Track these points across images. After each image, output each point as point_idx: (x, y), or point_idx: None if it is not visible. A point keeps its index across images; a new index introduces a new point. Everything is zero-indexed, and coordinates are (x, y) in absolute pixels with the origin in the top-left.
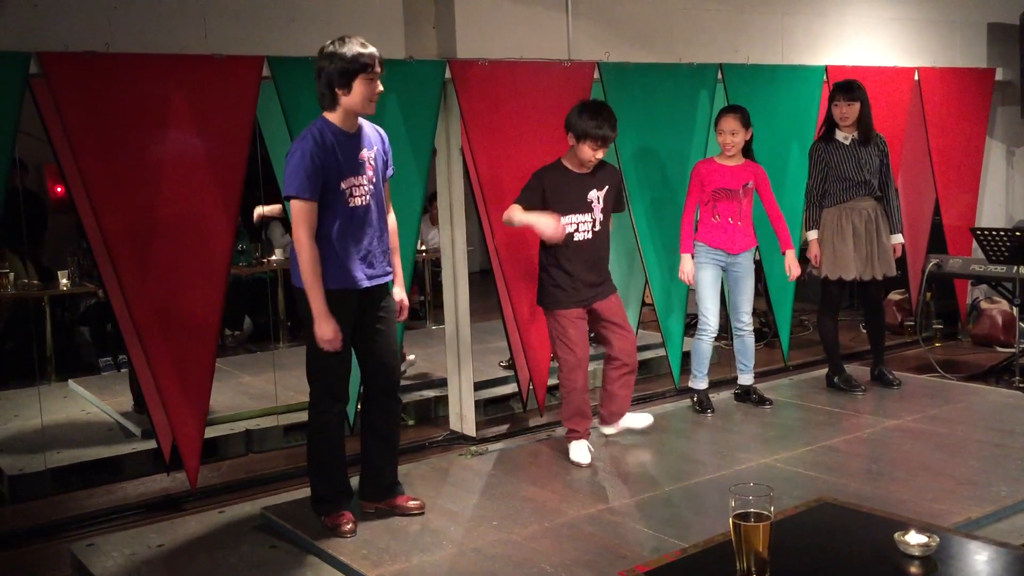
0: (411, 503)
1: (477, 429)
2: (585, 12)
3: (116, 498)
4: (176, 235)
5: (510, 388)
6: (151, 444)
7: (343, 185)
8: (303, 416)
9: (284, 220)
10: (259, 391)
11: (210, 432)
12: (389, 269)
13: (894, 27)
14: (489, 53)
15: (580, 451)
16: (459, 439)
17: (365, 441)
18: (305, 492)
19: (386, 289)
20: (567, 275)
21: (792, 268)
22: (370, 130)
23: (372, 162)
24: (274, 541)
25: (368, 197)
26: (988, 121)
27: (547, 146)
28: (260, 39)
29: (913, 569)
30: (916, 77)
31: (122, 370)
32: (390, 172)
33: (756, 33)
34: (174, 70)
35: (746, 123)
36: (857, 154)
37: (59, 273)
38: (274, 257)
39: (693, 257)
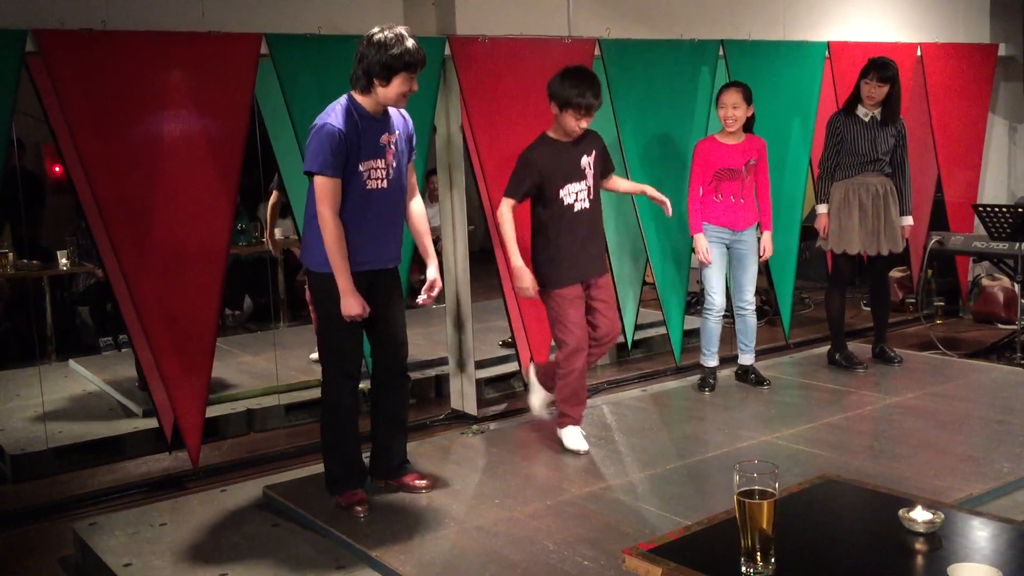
0: (418, 481)
1: (478, 408)
2: None
3: (118, 477)
4: (175, 214)
5: (511, 367)
6: (152, 423)
7: (361, 167)
8: (304, 395)
9: (284, 204)
10: (260, 370)
11: (211, 411)
12: (398, 254)
13: (896, 2)
14: (489, 30)
15: (576, 438)
16: (460, 418)
17: (374, 419)
18: (307, 470)
19: (395, 272)
20: (569, 246)
21: (766, 249)
22: (395, 113)
23: (393, 146)
24: (276, 519)
25: (385, 181)
26: (990, 97)
27: (547, 124)
28: (258, 16)
29: (918, 545)
30: (918, 53)
31: (123, 350)
32: (412, 157)
33: (758, 9)
34: (171, 48)
35: (748, 98)
36: (874, 132)
37: (58, 253)
38: (275, 237)
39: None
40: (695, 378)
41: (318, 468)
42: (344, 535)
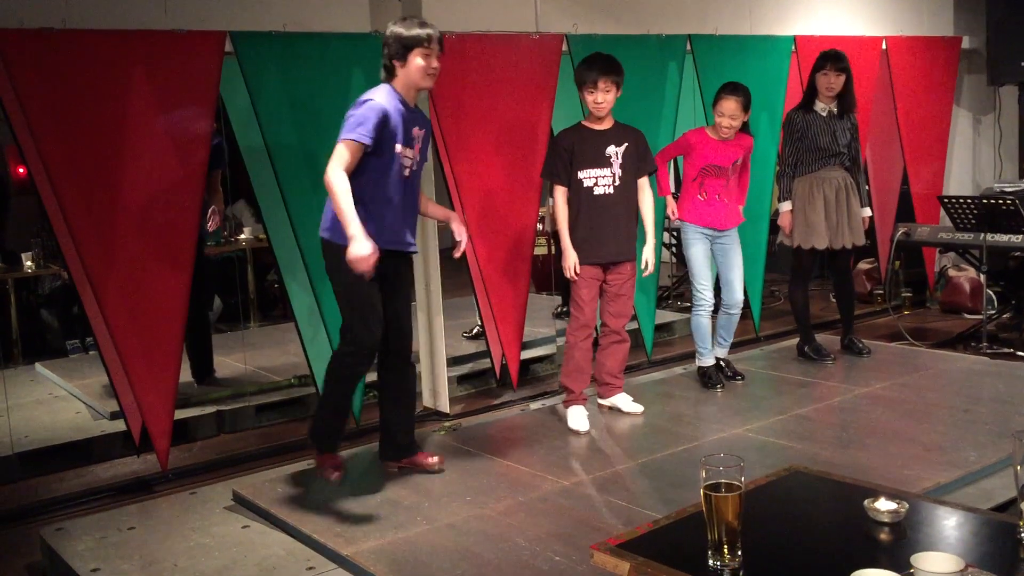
0: (431, 459)
1: (450, 405)
2: None
3: (86, 481)
4: (140, 215)
5: (483, 363)
6: (120, 426)
7: (398, 149)
8: (274, 396)
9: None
10: (230, 371)
11: (180, 413)
12: (412, 240)
13: None
14: (456, 26)
15: (578, 418)
16: (433, 415)
17: (382, 403)
18: (277, 471)
19: (410, 259)
20: (586, 227)
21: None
22: (422, 114)
23: (420, 142)
24: (246, 521)
25: (409, 171)
26: (955, 89)
27: (516, 119)
28: (222, 14)
29: (883, 535)
30: (884, 46)
31: (90, 352)
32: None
33: (724, 4)
34: (134, 46)
35: (747, 106)
36: (833, 126)
37: (23, 255)
38: (243, 236)
39: (679, 232)
40: (672, 373)
41: (288, 468)
42: (315, 535)
